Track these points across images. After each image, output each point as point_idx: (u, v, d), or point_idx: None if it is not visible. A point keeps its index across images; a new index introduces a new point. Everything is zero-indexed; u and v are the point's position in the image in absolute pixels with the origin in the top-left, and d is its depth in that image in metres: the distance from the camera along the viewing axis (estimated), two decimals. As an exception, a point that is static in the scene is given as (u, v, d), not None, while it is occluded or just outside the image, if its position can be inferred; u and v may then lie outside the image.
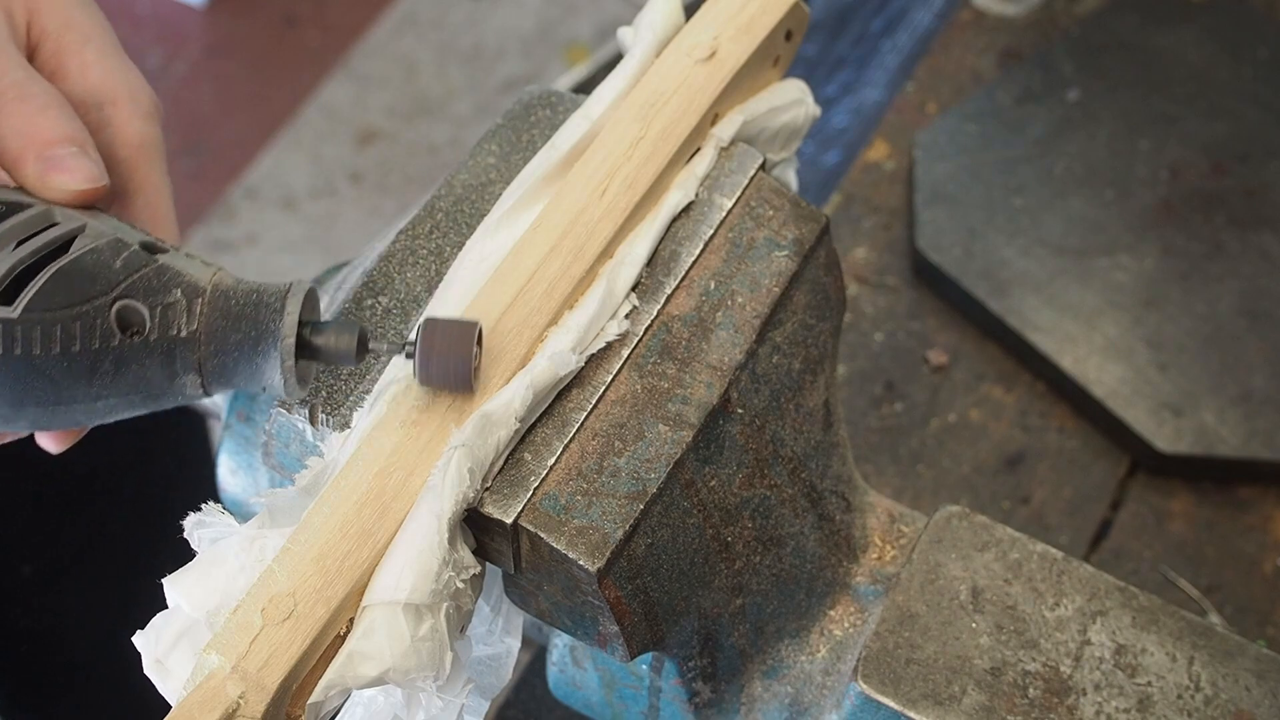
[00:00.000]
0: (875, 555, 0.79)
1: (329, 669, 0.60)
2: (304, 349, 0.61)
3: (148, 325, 0.59)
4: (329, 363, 0.62)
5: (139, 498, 1.21)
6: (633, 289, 0.70)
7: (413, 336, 0.63)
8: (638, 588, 0.66)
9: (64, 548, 1.21)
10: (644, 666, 0.76)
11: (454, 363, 0.63)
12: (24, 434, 0.67)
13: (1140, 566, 1.02)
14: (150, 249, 0.61)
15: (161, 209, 0.66)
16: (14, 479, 1.14)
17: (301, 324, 0.61)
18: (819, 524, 0.76)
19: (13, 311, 0.58)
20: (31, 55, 0.66)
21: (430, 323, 0.63)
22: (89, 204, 0.62)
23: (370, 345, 0.63)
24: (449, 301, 0.69)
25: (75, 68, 0.66)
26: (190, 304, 0.60)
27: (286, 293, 0.61)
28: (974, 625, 0.73)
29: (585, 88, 0.78)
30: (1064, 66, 1.23)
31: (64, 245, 0.60)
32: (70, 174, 0.61)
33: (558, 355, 0.66)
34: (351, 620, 0.61)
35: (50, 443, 0.68)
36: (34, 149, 0.61)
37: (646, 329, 0.70)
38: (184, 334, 0.60)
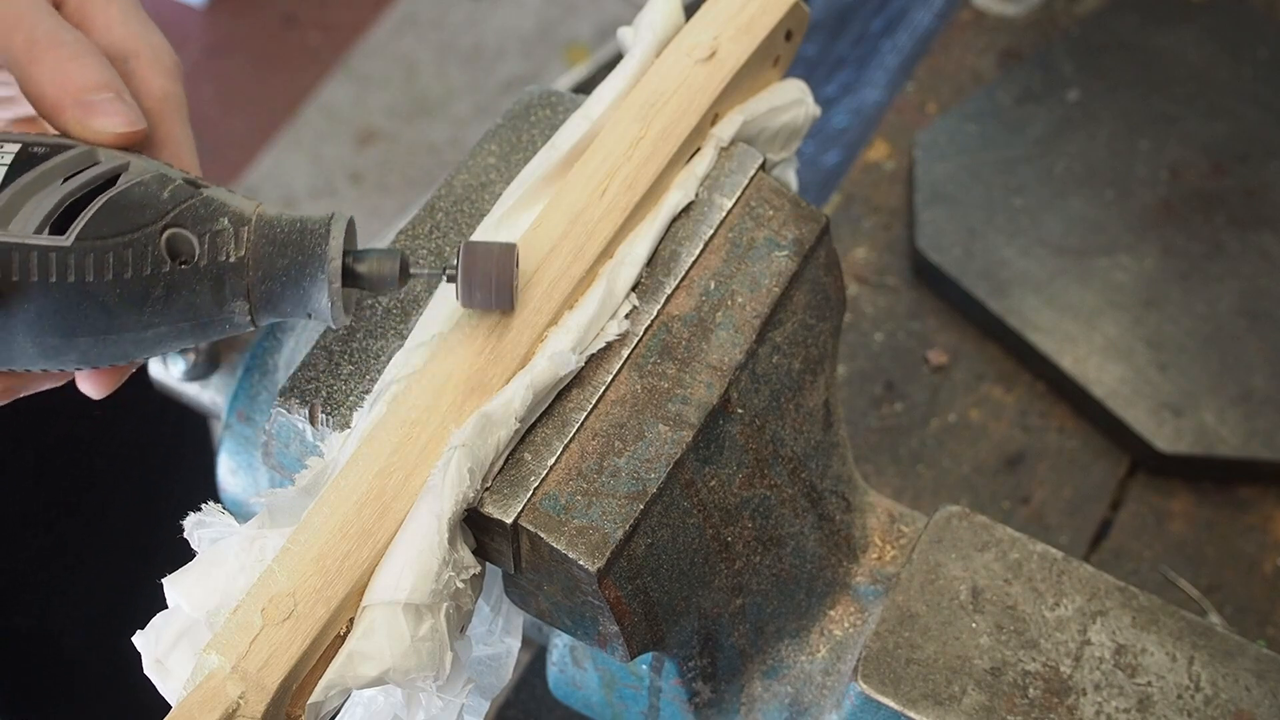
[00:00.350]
0: (875, 555, 0.79)
1: (329, 669, 0.60)
2: (348, 276, 0.63)
3: (197, 252, 0.61)
4: (371, 289, 0.64)
5: (139, 497, 1.21)
6: (633, 289, 0.70)
7: (454, 260, 0.65)
8: (638, 588, 0.66)
9: (63, 546, 1.21)
10: (644, 666, 0.76)
11: (496, 282, 0.64)
12: (69, 374, 0.67)
13: (1140, 566, 1.02)
14: (193, 184, 0.63)
15: (187, 161, 0.67)
16: (14, 477, 1.15)
17: (344, 252, 0.62)
18: (819, 524, 0.76)
19: (66, 240, 0.59)
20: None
21: (470, 245, 0.64)
22: (127, 147, 0.64)
23: (411, 271, 0.64)
24: (449, 302, 0.69)
25: (100, 24, 0.67)
26: (237, 231, 0.62)
27: (330, 220, 0.62)
28: (974, 625, 0.73)
29: (585, 88, 0.78)
30: (1064, 66, 1.23)
31: (110, 180, 0.61)
32: (110, 117, 0.63)
33: (558, 355, 0.66)
34: (351, 620, 0.61)
35: (92, 385, 0.68)
36: (72, 94, 0.63)
37: (646, 329, 0.70)
38: (232, 259, 0.61)
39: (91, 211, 0.60)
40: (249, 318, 0.63)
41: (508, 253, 0.64)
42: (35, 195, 0.60)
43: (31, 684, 1.28)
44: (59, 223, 0.60)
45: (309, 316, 0.63)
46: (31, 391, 0.68)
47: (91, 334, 0.61)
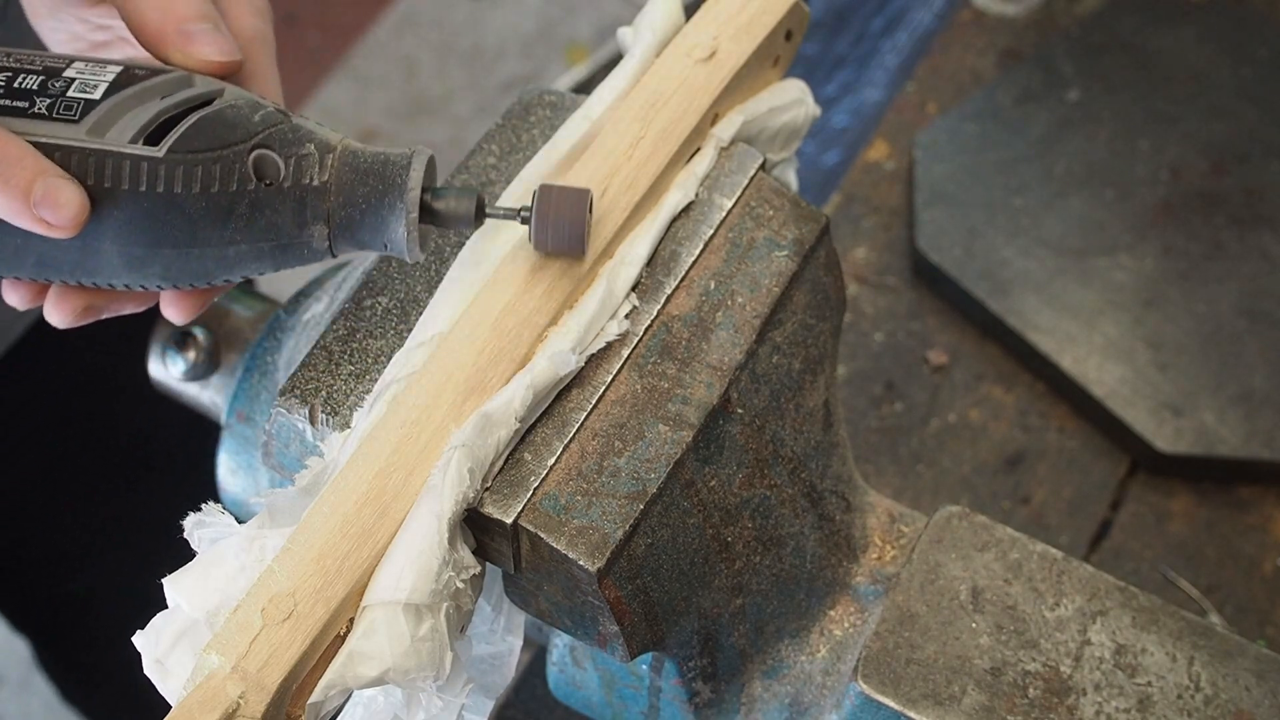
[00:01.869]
0: (875, 555, 0.79)
1: (329, 669, 0.60)
2: (425, 212, 0.65)
3: (282, 173, 0.64)
4: (448, 226, 0.66)
5: (186, 472, 1.23)
6: (633, 289, 0.70)
7: (529, 203, 0.67)
8: (638, 588, 0.66)
9: (115, 519, 1.23)
10: (644, 666, 0.76)
11: (569, 226, 0.66)
12: (152, 297, 0.69)
13: (1140, 566, 1.02)
14: (283, 112, 0.66)
15: (274, 97, 0.70)
16: (68, 453, 1.16)
17: (422, 189, 0.64)
18: (819, 524, 0.76)
19: (159, 151, 0.62)
20: None
21: (546, 189, 0.66)
22: (222, 77, 0.67)
23: (487, 211, 0.66)
24: (449, 302, 0.69)
25: None
26: (322, 157, 0.64)
27: (412, 155, 0.65)
28: (974, 625, 0.73)
29: (585, 88, 0.78)
30: (1064, 66, 1.23)
31: (206, 101, 0.64)
32: (209, 46, 0.66)
33: (558, 355, 0.66)
34: (351, 620, 0.61)
35: (176, 310, 0.70)
36: (173, 24, 0.66)
37: (646, 329, 0.70)
38: (315, 183, 0.64)
39: (185, 126, 0.63)
40: (327, 244, 0.65)
41: (581, 198, 0.66)
42: (133, 109, 0.63)
43: (79, 646, 1.36)
44: (154, 135, 0.63)
45: (385, 248, 0.65)
46: (113, 314, 0.70)
47: (176, 246, 0.64)
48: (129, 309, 0.70)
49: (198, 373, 0.93)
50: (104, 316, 0.70)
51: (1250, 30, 1.25)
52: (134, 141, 0.62)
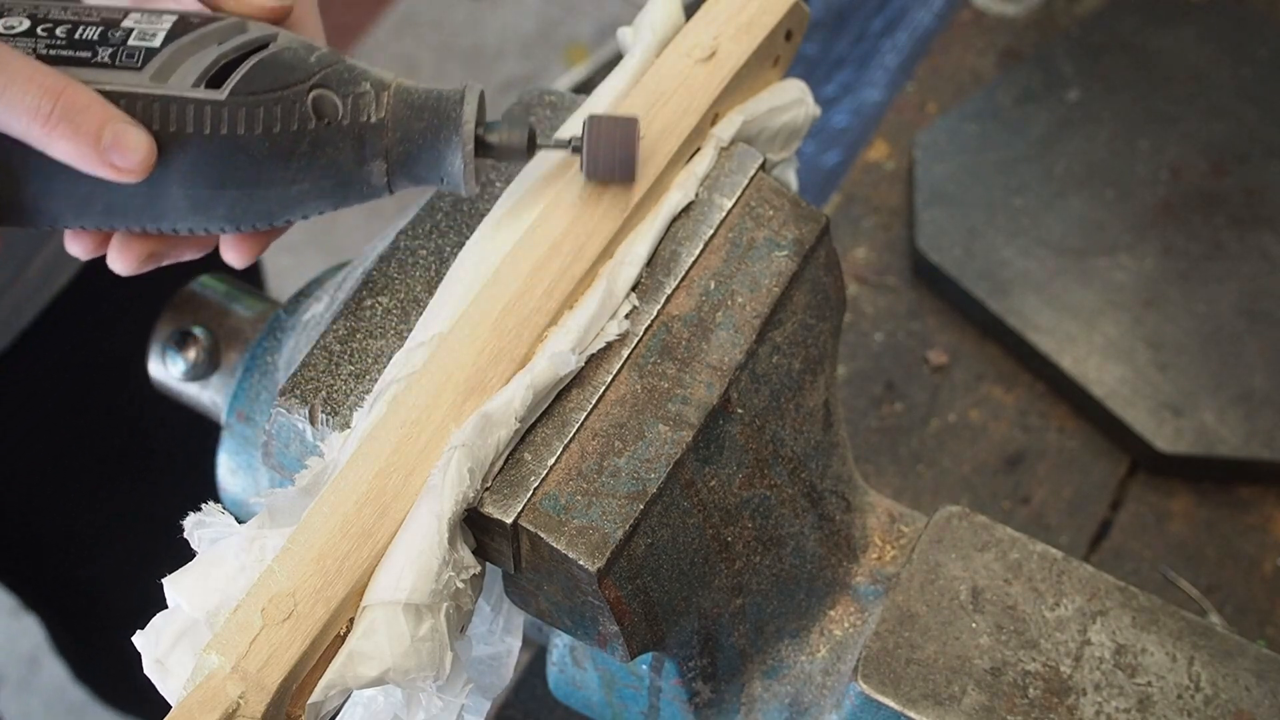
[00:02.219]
0: (875, 555, 0.79)
1: (329, 669, 0.60)
2: (479, 145, 0.66)
3: (340, 111, 0.65)
4: (501, 159, 0.67)
5: (195, 461, 1.24)
6: (633, 289, 0.70)
7: (579, 132, 0.68)
8: (638, 588, 0.66)
9: (125, 506, 1.24)
10: (644, 666, 0.76)
11: (620, 154, 0.68)
12: (213, 241, 0.70)
13: (1140, 566, 1.02)
14: (335, 54, 0.67)
15: (320, 43, 0.70)
16: (80, 442, 1.17)
17: (475, 123, 0.66)
18: (819, 524, 0.76)
19: (221, 94, 0.64)
20: None
21: (595, 119, 0.68)
22: (273, 23, 0.68)
23: (539, 141, 0.68)
24: (449, 303, 0.69)
25: None
26: (378, 95, 0.66)
27: (464, 91, 0.66)
28: (974, 625, 0.73)
29: (585, 88, 0.78)
30: (1064, 66, 1.23)
31: (262, 45, 0.66)
32: None
33: (558, 355, 0.66)
34: (351, 620, 0.61)
35: (236, 254, 0.71)
36: None
37: (646, 329, 0.70)
38: (373, 120, 0.65)
39: (245, 69, 0.64)
40: (386, 179, 0.67)
41: (631, 127, 0.68)
42: (193, 55, 0.65)
43: (91, 629, 1.39)
44: (215, 79, 0.64)
45: (441, 182, 0.67)
46: (174, 260, 0.71)
47: (240, 186, 0.65)
48: (190, 255, 0.71)
49: (198, 373, 0.93)
50: (165, 263, 0.71)
51: (1250, 30, 1.25)
52: (196, 86, 0.64)
